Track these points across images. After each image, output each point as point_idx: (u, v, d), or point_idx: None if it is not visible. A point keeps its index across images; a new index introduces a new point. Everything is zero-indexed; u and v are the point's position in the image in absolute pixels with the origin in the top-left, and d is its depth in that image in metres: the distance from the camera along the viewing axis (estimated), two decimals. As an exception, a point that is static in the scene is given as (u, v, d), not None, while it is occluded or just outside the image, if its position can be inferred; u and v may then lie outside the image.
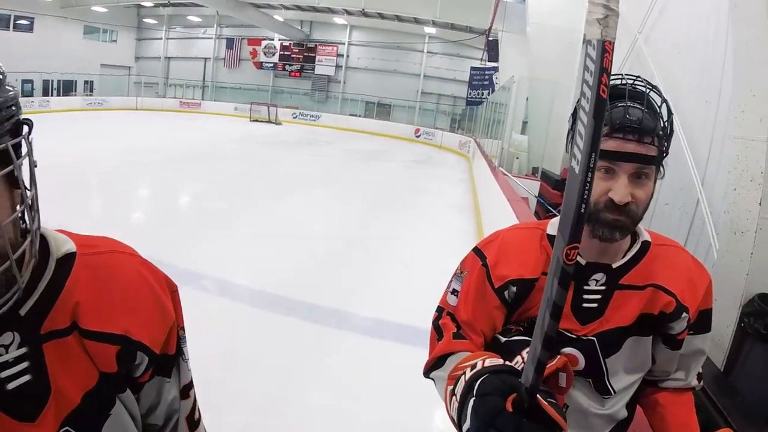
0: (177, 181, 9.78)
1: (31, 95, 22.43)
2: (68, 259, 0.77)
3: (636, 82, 1.07)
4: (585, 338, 1.14)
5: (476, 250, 1.24)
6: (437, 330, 1.22)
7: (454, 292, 1.23)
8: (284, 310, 4.54)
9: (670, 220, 4.72)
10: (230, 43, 31.30)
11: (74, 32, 26.98)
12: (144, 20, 32.05)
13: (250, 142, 17.25)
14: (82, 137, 14.19)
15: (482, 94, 21.39)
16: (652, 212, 4.40)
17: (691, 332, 1.19)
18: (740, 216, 3.49)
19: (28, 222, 0.70)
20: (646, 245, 1.17)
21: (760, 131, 3.36)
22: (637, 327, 1.14)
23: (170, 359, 0.88)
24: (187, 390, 0.94)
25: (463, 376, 0.92)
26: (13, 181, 0.67)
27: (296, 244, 6.44)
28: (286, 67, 30.78)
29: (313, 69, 30.54)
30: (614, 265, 1.13)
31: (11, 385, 0.69)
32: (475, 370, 0.91)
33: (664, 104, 1.06)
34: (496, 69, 20.19)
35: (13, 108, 0.67)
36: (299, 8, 26.65)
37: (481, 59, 24.30)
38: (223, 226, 6.83)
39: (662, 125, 1.04)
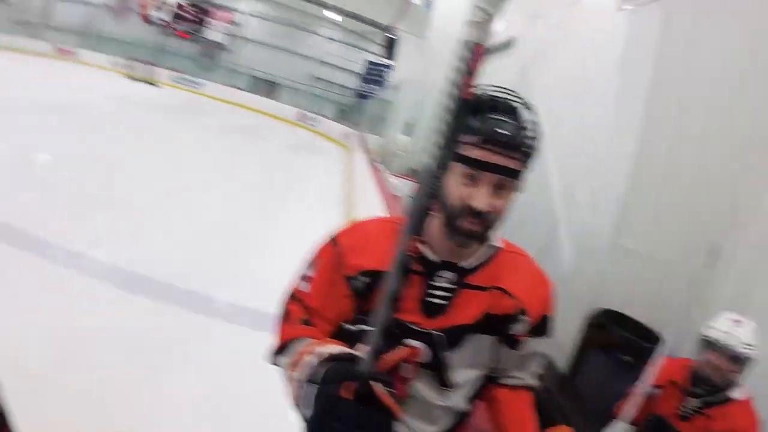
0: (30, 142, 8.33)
1: None
2: (497, 248, 1.23)
3: (513, 97, 1.10)
4: (429, 332, 1.17)
5: (332, 239, 1.26)
6: (285, 314, 1.24)
7: (305, 278, 1.25)
8: (139, 290, 4.12)
9: (532, 235, 4.94)
10: None
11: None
12: None
13: (124, 103, 15.68)
14: None
15: (373, 89, 21.35)
16: (513, 223, 4.56)
17: (531, 335, 1.25)
18: (596, 237, 3.86)
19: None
20: (495, 250, 1.23)
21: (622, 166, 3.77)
22: (479, 326, 1.19)
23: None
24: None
25: (305, 361, 0.96)
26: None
27: (161, 220, 5.92)
28: (176, 26, 28.38)
29: (205, 34, 28.56)
30: (464, 265, 1.18)
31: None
32: (317, 358, 0.94)
33: (536, 124, 1.09)
34: (390, 66, 20.22)
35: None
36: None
37: (377, 54, 24.22)
38: (77, 195, 6.00)
39: (529, 143, 1.07)
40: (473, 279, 1.19)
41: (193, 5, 28.05)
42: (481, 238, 1.13)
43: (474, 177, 1.06)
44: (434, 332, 1.17)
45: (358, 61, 25.55)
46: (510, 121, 1.06)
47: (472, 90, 0.92)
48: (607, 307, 3.76)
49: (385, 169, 9.59)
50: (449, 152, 0.66)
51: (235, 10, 28.47)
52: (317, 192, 10.56)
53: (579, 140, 4.60)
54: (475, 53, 0.68)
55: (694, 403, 2.26)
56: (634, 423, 2.40)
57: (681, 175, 3.66)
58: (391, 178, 8.78)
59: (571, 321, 3.90)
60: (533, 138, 1.08)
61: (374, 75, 22.02)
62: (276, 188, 9.86)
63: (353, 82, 25.48)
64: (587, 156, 4.47)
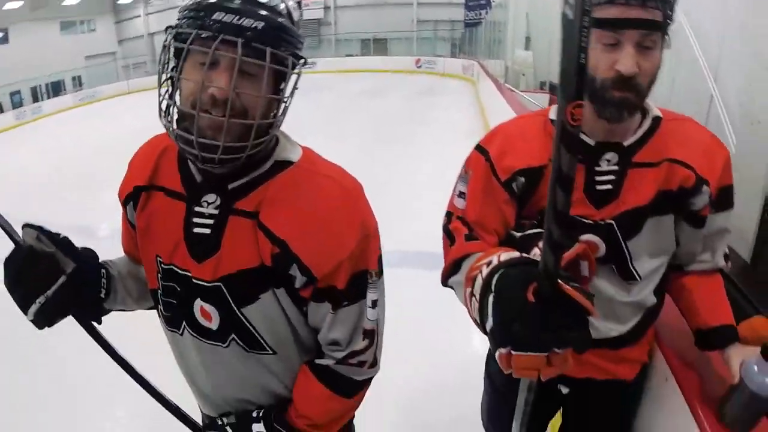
0: None
1: (21, 105, 21.94)
2: (284, 164, 0.96)
3: None
4: (603, 222, 1.12)
5: (478, 147, 1.22)
6: (448, 235, 1.19)
7: (461, 194, 1.21)
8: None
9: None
10: None
11: (50, 31, 25.95)
12: (119, 2, 30.66)
13: None
14: (70, 140, 13.35)
15: (480, 14, 20.44)
16: (666, 99, 4.09)
17: (713, 210, 1.16)
18: (756, 106, 3.30)
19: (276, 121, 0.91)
20: (657, 120, 1.13)
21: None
22: (656, 206, 1.12)
23: (337, 293, 0.96)
24: (368, 334, 1.02)
25: (479, 274, 0.87)
26: (277, 90, 0.91)
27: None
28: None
29: (301, 15, 29.00)
30: (625, 143, 1.11)
31: (196, 230, 0.95)
32: (491, 267, 0.85)
33: None
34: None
35: (301, 43, 0.91)
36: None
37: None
38: None
39: None
40: (639, 156, 1.10)
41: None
42: (635, 106, 1.04)
43: (614, 40, 0.97)
44: (608, 221, 1.11)
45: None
46: None
47: None
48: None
49: (514, 89, 9.09)
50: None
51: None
52: (451, 130, 10.26)
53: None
54: None
55: None
56: None
57: None
58: (523, 96, 8.26)
59: (746, 203, 3.38)
60: None
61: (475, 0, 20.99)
62: (406, 136, 9.75)
63: (458, 14, 24.39)
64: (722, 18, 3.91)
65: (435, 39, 27.38)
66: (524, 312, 0.71)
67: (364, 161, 7.10)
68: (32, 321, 0.93)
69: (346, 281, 0.96)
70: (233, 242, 0.94)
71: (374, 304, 1.03)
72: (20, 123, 19.09)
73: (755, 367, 1.05)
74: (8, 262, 0.90)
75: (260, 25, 0.82)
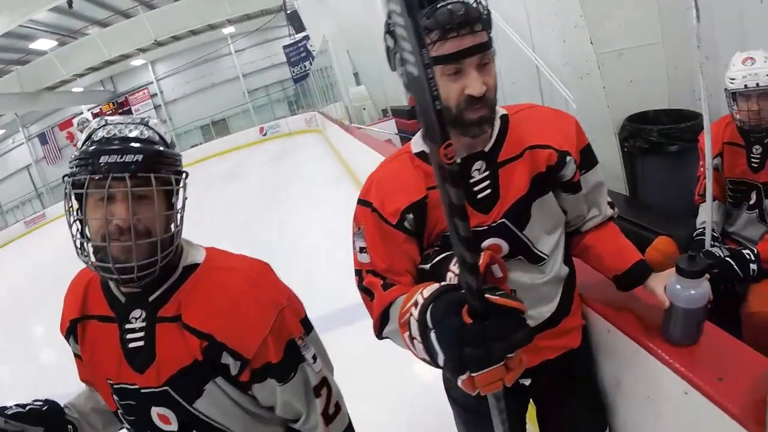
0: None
1: None
2: (191, 268, 1.08)
3: None
4: (495, 224, 1.19)
5: (360, 201, 1.27)
6: (366, 292, 1.23)
7: (362, 249, 1.25)
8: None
9: (522, 95, 5.12)
10: (43, 138, 28.19)
11: None
12: None
13: None
14: None
15: (304, 67, 21.07)
16: (503, 95, 4.55)
17: (583, 171, 1.25)
18: (579, 61, 3.72)
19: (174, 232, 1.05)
20: (505, 118, 1.22)
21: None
22: (534, 190, 1.19)
23: (276, 366, 1.05)
24: (318, 389, 1.13)
25: (411, 317, 0.93)
26: (170, 205, 1.05)
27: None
28: (109, 132, 28.39)
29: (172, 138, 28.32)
30: (486, 149, 1.18)
31: (131, 345, 1.05)
32: (419, 306, 0.91)
33: None
34: (307, 38, 19.88)
35: (179, 160, 1.07)
36: (94, 69, 24.65)
37: (289, 35, 23.77)
38: None
39: (483, 8, 1.06)
40: (503, 154, 1.19)
41: (111, 103, 27.87)
42: (491, 118, 1.12)
43: (457, 69, 1.06)
44: (499, 221, 1.19)
45: (277, 52, 25.24)
46: (454, 0, 1.04)
47: None
48: (628, 114, 3.70)
49: (360, 125, 9.48)
50: (424, 50, 0.63)
51: (147, 83, 28.23)
52: (317, 180, 10.50)
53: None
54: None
55: (758, 150, 2.16)
56: (716, 198, 2.33)
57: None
58: (371, 129, 8.67)
59: (605, 146, 3.74)
60: (481, 2, 1.07)
61: (296, 54, 21.68)
62: (276, 203, 9.81)
63: (285, 73, 25.10)
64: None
65: (271, 103, 27.89)
66: (467, 334, 0.78)
67: (253, 239, 7.36)
68: None
69: (280, 353, 1.05)
70: (166, 347, 1.03)
71: (314, 358, 1.13)
72: None
73: (677, 287, 1.15)
74: None
75: (140, 157, 0.95)
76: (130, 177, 0.94)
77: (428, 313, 0.87)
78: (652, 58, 3.61)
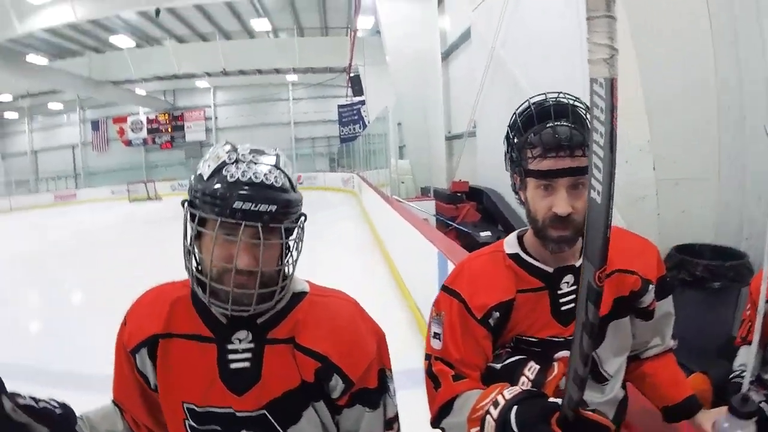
0: (56, 285, 8.59)
1: None
2: (301, 295, 1.09)
3: (560, 98, 1.14)
4: (572, 338, 1.10)
5: (446, 289, 1.25)
6: (432, 378, 1.21)
7: (436, 335, 1.24)
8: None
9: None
10: (95, 125, 29.66)
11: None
12: (4, 115, 30.01)
13: (129, 225, 16.10)
14: None
15: (354, 129, 21.62)
16: None
17: (657, 299, 1.26)
18: (638, 185, 3.69)
19: (286, 271, 1.03)
20: None
21: (635, 105, 3.58)
22: (614, 312, 1.20)
23: (371, 392, 1.07)
24: (391, 423, 1.13)
25: (487, 415, 0.95)
26: (285, 247, 1.03)
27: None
28: (156, 140, 29.71)
29: (184, 137, 29.71)
30: (577, 264, 1.19)
31: (234, 365, 1.02)
32: (501, 406, 0.94)
33: (587, 113, 1.08)
34: (363, 102, 20.51)
35: (301, 203, 1.04)
36: (160, 78, 25.86)
37: (347, 96, 24.58)
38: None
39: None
40: None
41: (167, 114, 28.92)
42: (572, 240, 1.13)
43: (549, 186, 1.09)
44: None
45: (331, 109, 26.04)
46: (564, 123, 1.08)
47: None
48: (676, 244, 3.70)
49: (397, 198, 9.54)
50: (612, 184, 0.70)
51: (205, 106, 29.42)
52: (341, 242, 10.21)
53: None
54: (612, 88, 0.70)
55: None
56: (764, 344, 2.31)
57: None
58: (410, 204, 8.74)
59: None
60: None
61: (349, 116, 22.32)
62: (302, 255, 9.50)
63: (333, 130, 25.78)
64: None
65: (314, 155, 28.77)
66: None
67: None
68: None
69: (376, 380, 1.07)
70: (273, 368, 1.02)
71: (394, 392, 1.15)
72: None
73: (726, 425, 1.13)
74: None
75: (273, 208, 0.93)
76: (262, 227, 0.93)
77: (512, 415, 0.89)
78: (706, 191, 3.64)
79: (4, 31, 15.37)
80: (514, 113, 1.18)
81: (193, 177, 1.00)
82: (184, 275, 1.06)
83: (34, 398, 0.96)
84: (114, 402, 1.16)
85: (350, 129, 22.20)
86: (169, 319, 1.06)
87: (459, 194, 8.86)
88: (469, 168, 9.14)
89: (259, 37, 22.60)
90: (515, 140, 1.17)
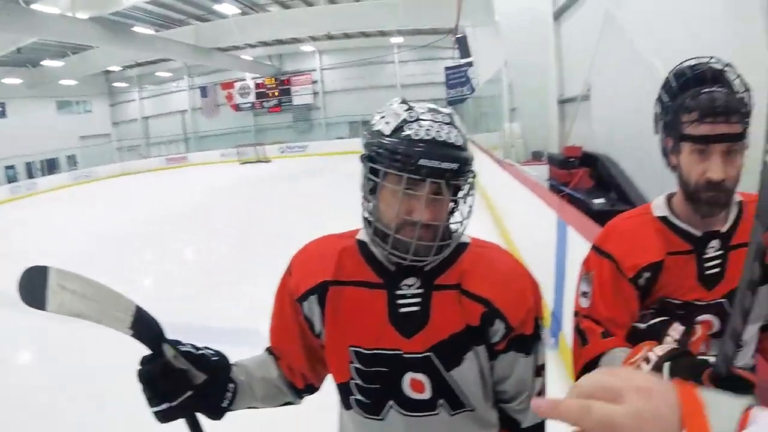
0: (179, 245, 9.35)
1: (16, 180, 22.30)
2: (463, 246, 1.11)
3: (714, 63, 1.15)
4: (715, 302, 1.20)
5: (597, 250, 1.30)
6: (580, 334, 1.27)
7: (585, 294, 1.29)
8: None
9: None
10: (204, 91, 30.96)
11: (47, 109, 26.77)
12: (114, 85, 31.87)
13: (242, 187, 16.89)
14: (68, 222, 13.37)
15: (461, 91, 21.32)
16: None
17: None
18: None
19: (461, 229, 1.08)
20: (740, 204, 1.25)
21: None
22: (762, 280, 1.10)
23: (527, 338, 1.10)
24: (540, 370, 1.15)
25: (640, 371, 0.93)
26: (455, 203, 1.06)
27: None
28: (264, 104, 30.58)
29: (291, 101, 30.40)
30: (723, 230, 1.21)
31: (403, 309, 1.06)
32: (653, 362, 0.95)
33: (739, 80, 1.12)
34: (470, 64, 20.12)
35: (473, 163, 1.03)
36: (265, 44, 26.55)
37: (453, 58, 24.23)
38: (238, 281, 6.46)
39: (745, 103, 1.10)
40: (736, 238, 1.20)
41: (273, 78, 29.90)
42: (725, 205, 1.15)
43: (704, 151, 1.10)
44: (719, 300, 1.20)
45: (437, 71, 25.82)
46: (719, 89, 1.10)
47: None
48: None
49: (509, 161, 9.43)
50: None
51: (311, 70, 30.02)
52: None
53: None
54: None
55: None
56: None
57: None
58: (523, 168, 8.63)
59: None
60: (746, 96, 1.11)
61: (456, 78, 22.02)
62: None
63: (441, 92, 25.58)
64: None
65: (419, 118, 28.53)
66: None
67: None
68: (153, 414, 0.99)
69: (531, 327, 1.09)
70: (441, 312, 1.06)
71: (545, 341, 1.17)
72: (15, 197, 19.20)
73: None
74: (144, 370, 0.97)
75: (455, 166, 0.96)
76: (446, 183, 0.97)
77: (665, 370, 0.91)
78: None
79: (110, 4, 15.94)
80: (668, 76, 1.20)
81: (367, 132, 1.04)
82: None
83: (194, 345, 1.06)
84: (270, 350, 1.24)
85: (457, 91, 21.80)
86: (339, 267, 1.11)
87: (572, 159, 8.66)
88: (582, 133, 8.88)
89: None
90: (669, 103, 1.19)
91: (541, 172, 8.84)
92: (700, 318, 1.19)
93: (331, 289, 1.10)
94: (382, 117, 1.02)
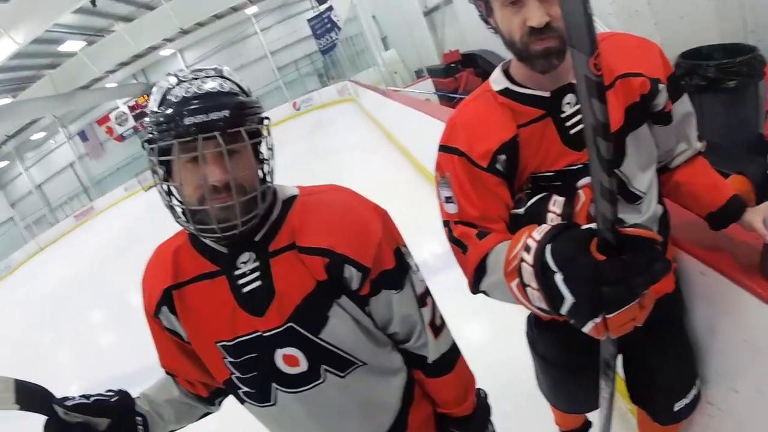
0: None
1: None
2: (291, 199, 1.06)
3: None
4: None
5: (443, 148, 1.19)
6: (458, 243, 1.14)
7: (448, 199, 1.17)
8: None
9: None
10: (83, 135, 29.10)
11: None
12: None
13: (155, 214, 16.05)
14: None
15: (331, 38, 21.08)
16: None
17: (672, 100, 1.17)
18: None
19: (268, 179, 1.02)
20: None
21: None
22: (629, 123, 1.11)
23: (391, 273, 1.04)
24: (423, 298, 1.11)
25: (522, 263, 0.84)
26: (257, 153, 1.02)
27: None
28: (145, 124, 29.05)
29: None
30: (574, 81, 1.02)
31: (246, 289, 1.00)
32: (534, 249, 0.82)
33: None
34: (330, 8, 19.87)
35: (260, 106, 0.99)
36: (124, 64, 25.14)
37: (312, 8, 23.79)
38: None
39: None
40: None
41: (145, 95, 28.52)
42: (560, 52, 1.01)
43: (516, 2, 1.00)
44: None
45: (302, 25, 25.28)
46: None
47: None
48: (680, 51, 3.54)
49: (394, 89, 9.48)
50: None
51: (179, 71, 28.48)
52: (356, 149, 10.36)
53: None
54: None
55: None
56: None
57: None
58: (408, 90, 8.71)
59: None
60: None
61: (322, 26, 21.70)
62: (318, 173, 9.18)
63: (312, 46, 25.18)
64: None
65: (301, 77, 27.93)
66: (605, 271, 0.69)
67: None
68: None
69: (392, 260, 1.03)
70: (284, 278, 1.00)
71: (417, 267, 1.11)
72: None
73: None
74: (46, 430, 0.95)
75: (226, 113, 0.89)
76: (221, 134, 0.89)
77: (547, 255, 0.78)
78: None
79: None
80: None
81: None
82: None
83: (84, 396, 1.00)
84: (165, 371, 1.19)
85: (327, 39, 21.50)
86: (176, 270, 1.05)
87: (453, 65, 8.81)
88: (456, 37, 9.01)
89: (201, -17, 21.69)
90: None
91: (426, 87, 8.94)
92: (581, 182, 1.11)
93: (175, 293, 1.05)
94: (152, 96, 0.97)
